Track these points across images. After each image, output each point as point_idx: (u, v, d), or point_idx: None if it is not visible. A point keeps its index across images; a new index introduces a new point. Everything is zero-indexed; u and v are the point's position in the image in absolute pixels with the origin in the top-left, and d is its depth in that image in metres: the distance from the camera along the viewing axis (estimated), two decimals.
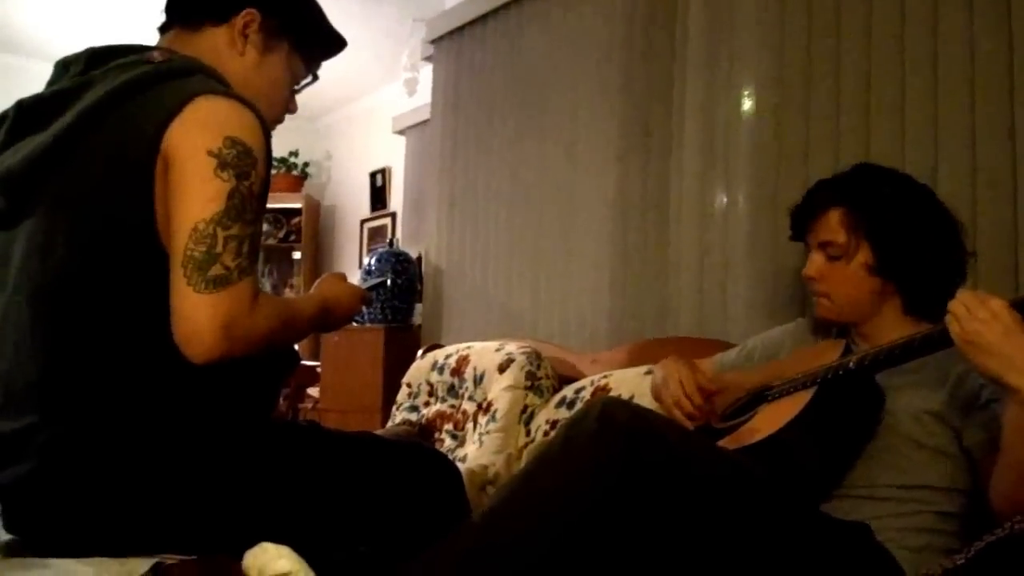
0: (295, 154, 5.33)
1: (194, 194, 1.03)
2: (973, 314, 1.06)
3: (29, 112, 1.14)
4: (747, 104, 2.15)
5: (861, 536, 1.19)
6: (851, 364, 1.25)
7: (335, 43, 1.39)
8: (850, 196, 1.37)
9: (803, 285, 1.49)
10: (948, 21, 1.73)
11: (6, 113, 1.16)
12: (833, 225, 1.37)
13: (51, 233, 1.07)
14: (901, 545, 1.20)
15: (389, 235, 4.66)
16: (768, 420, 1.33)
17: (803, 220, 1.44)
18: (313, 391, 3.90)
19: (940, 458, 1.26)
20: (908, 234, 1.34)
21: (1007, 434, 1.11)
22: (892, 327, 1.35)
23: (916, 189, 1.39)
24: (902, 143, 1.80)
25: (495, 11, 3.13)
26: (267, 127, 1.14)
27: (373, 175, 4.96)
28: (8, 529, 1.13)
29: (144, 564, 0.95)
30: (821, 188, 1.44)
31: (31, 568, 0.96)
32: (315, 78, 1.39)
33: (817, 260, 1.40)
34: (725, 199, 2.20)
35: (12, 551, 1.12)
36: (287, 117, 1.39)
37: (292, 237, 5.33)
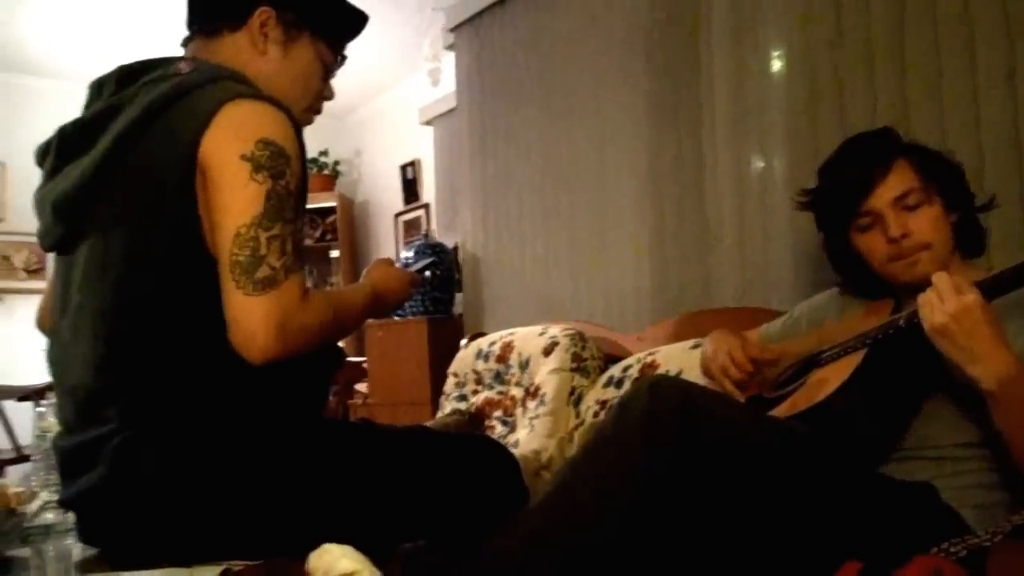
0: (325, 153, 5.36)
1: (233, 200, 1.05)
2: (944, 307, 1.08)
3: (71, 137, 1.17)
4: (777, 65, 2.11)
5: (925, 496, 1.17)
6: (901, 322, 1.22)
7: (356, 19, 1.38)
8: (906, 147, 1.34)
9: None
10: None
11: (50, 141, 1.20)
12: (907, 174, 1.30)
13: (106, 252, 1.11)
14: (966, 504, 1.18)
15: (424, 227, 4.68)
16: (820, 386, 1.31)
17: (862, 186, 1.31)
18: (361, 387, 3.95)
19: None
20: (952, 166, 1.34)
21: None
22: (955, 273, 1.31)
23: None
24: (939, 91, 1.75)
25: None
26: (297, 124, 1.15)
27: (404, 168, 4.98)
28: (82, 539, 1.18)
29: (212, 571, 0.97)
30: (870, 149, 1.35)
31: None
32: (343, 59, 1.38)
33: (898, 218, 1.29)
34: (761, 163, 2.17)
35: (87, 567, 1.16)
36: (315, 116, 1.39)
37: (328, 236, 5.38)
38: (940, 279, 1.11)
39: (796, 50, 2.05)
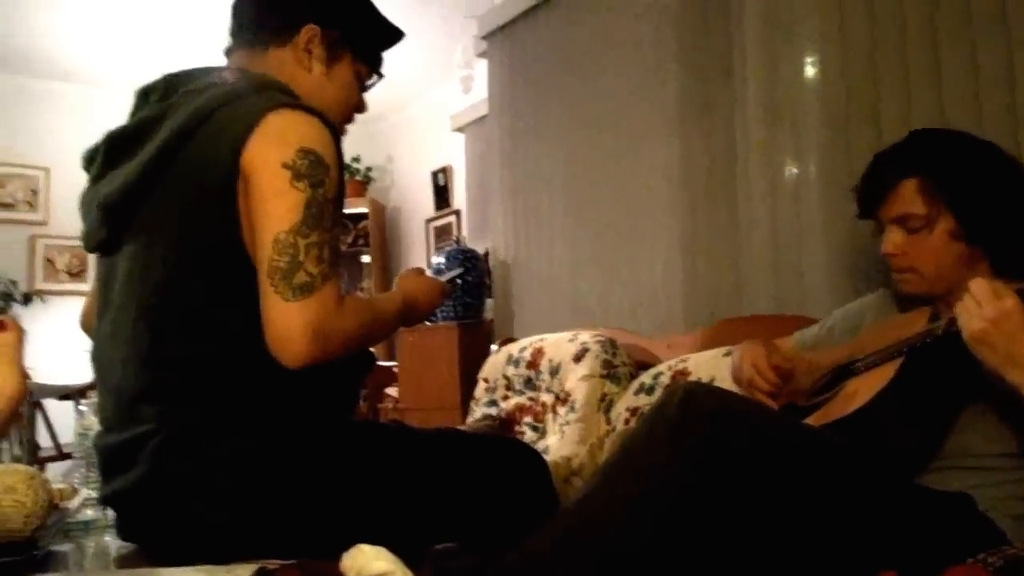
0: (357, 160, 5.41)
1: (273, 207, 1.08)
2: (983, 312, 1.06)
3: (117, 143, 1.20)
4: (811, 70, 2.10)
5: (962, 506, 1.16)
6: (939, 331, 1.21)
7: (394, 36, 1.42)
8: (922, 164, 1.30)
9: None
10: None
11: (97, 146, 1.23)
12: (909, 197, 1.30)
13: (149, 255, 1.14)
14: (1003, 514, 1.16)
15: (455, 233, 4.70)
16: (856, 394, 1.30)
17: (872, 197, 1.37)
18: (392, 391, 3.97)
19: None
20: (990, 195, 1.27)
21: None
22: None
23: (984, 147, 1.32)
24: (976, 97, 1.73)
25: (546, 0, 3.12)
26: (337, 134, 1.17)
27: (435, 174, 5.01)
28: (121, 535, 1.20)
29: (247, 570, 0.99)
30: (886, 161, 1.37)
31: None
32: (380, 76, 1.42)
33: (895, 235, 1.33)
34: (795, 170, 2.15)
35: (125, 562, 1.18)
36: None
37: (360, 241, 5.42)
38: (977, 285, 1.09)
39: (830, 55, 2.04)
